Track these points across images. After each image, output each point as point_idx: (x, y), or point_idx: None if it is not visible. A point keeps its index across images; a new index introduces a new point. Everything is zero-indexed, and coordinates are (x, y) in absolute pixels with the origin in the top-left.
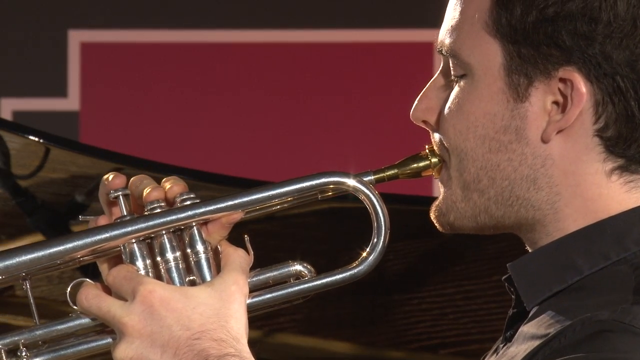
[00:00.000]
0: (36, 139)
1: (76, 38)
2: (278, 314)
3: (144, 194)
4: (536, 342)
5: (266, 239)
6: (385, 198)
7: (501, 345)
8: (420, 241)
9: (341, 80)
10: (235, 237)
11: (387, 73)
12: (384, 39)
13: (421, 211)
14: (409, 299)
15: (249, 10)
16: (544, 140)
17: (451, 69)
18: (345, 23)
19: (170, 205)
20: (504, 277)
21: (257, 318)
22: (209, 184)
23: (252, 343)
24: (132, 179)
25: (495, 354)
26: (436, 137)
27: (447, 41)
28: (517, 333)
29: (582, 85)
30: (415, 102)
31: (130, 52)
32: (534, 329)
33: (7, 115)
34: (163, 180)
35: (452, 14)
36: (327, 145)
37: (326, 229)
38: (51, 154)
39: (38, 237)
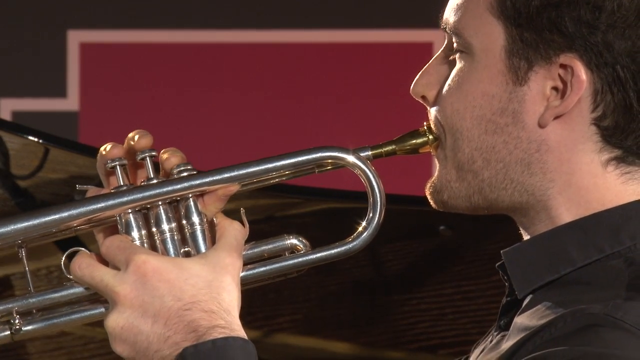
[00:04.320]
0: (35, 139)
1: (75, 38)
2: (277, 314)
3: (136, 143)
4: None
5: (265, 239)
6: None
7: (495, 333)
8: (419, 241)
9: (341, 80)
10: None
11: (387, 73)
12: (384, 39)
13: (420, 211)
14: (408, 299)
15: (249, 11)
16: (541, 125)
17: (453, 47)
18: (345, 23)
19: (167, 176)
20: (497, 264)
21: (257, 318)
22: None
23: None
24: (129, 135)
25: (488, 341)
26: (432, 113)
27: (452, 19)
28: (512, 325)
29: (582, 73)
30: (417, 77)
31: (130, 52)
32: (527, 321)
33: (7, 116)
34: (162, 151)
35: None
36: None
37: (326, 229)
38: (50, 154)
39: None
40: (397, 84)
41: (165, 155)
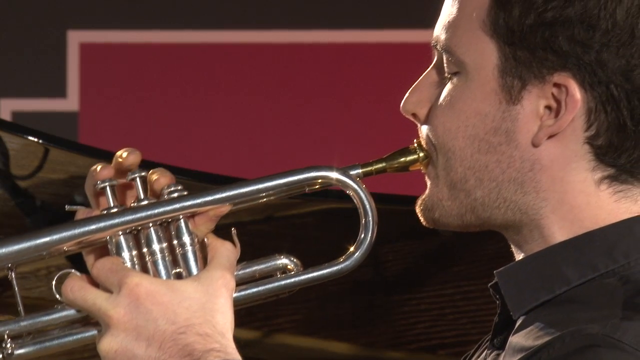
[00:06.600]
0: (35, 140)
1: (75, 38)
2: (277, 314)
3: (124, 161)
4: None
5: (265, 240)
6: (384, 198)
7: (488, 351)
8: (419, 241)
9: (341, 81)
10: (224, 234)
11: (387, 73)
12: (384, 39)
13: None
14: (408, 300)
15: (249, 11)
16: (534, 144)
17: (445, 65)
18: (345, 23)
19: (157, 197)
20: (490, 284)
21: (257, 318)
22: (207, 184)
23: (250, 344)
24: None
25: (480, 359)
26: (423, 131)
27: (443, 37)
28: (507, 344)
29: (577, 92)
30: (407, 94)
31: (130, 52)
32: (523, 340)
33: (7, 116)
34: (150, 171)
35: (449, 10)
36: (327, 145)
37: (326, 230)
38: (50, 154)
39: None
40: (397, 84)
41: (154, 176)
